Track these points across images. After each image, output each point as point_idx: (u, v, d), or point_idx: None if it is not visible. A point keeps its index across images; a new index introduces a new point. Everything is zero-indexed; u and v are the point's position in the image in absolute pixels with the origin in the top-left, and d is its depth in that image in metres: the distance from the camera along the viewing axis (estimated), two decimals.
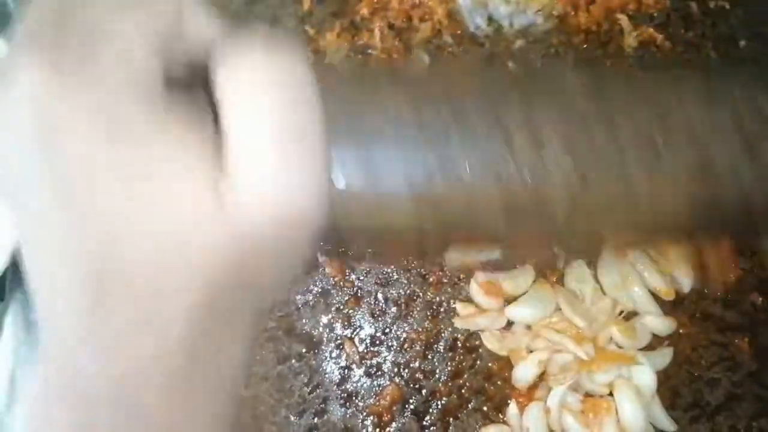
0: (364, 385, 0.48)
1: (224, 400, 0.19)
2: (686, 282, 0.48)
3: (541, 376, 0.47)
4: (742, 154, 0.22)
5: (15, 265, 0.50)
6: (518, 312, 0.47)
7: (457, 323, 0.48)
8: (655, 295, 0.48)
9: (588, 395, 0.47)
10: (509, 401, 0.47)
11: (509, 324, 0.48)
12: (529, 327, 0.48)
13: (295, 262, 0.19)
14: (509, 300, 0.48)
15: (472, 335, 0.48)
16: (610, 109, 0.22)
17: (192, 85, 0.19)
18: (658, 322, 0.48)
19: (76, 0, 0.17)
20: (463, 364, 0.48)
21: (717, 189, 0.22)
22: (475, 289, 0.48)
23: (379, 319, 0.48)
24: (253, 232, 0.17)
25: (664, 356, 0.48)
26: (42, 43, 0.16)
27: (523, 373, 0.47)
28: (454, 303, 0.48)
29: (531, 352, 0.47)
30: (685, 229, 0.23)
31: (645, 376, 0.47)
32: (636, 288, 0.48)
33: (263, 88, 0.17)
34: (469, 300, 0.49)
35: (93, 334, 0.17)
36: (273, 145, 0.17)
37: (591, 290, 0.48)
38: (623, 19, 0.55)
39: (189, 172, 0.17)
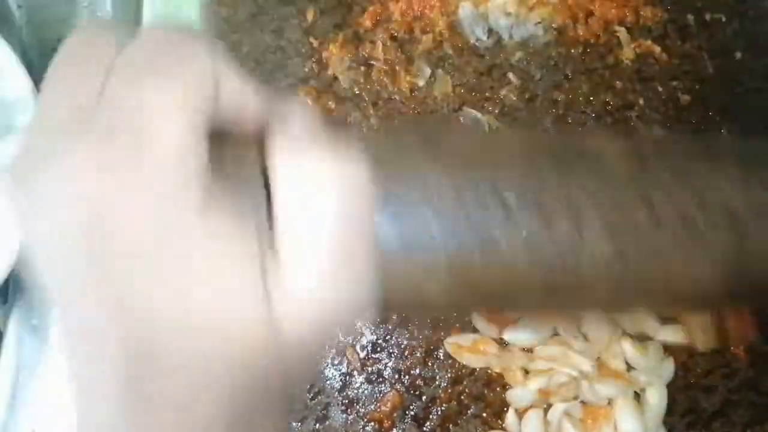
0: (365, 391, 0.48)
1: None
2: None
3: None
4: None
5: (18, 269, 0.50)
6: (516, 335, 0.47)
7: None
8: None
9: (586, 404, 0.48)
10: (508, 408, 0.48)
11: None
12: (526, 350, 0.48)
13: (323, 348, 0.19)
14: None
15: None
16: (648, 188, 0.21)
17: (241, 166, 0.18)
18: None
19: (109, 78, 0.17)
20: (463, 370, 0.49)
21: (752, 267, 0.22)
22: (476, 316, 0.48)
23: (380, 326, 0.49)
24: (292, 333, 0.17)
25: (666, 369, 0.48)
26: (88, 137, 0.16)
27: (521, 396, 0.47)
28: (454, 311, 0.49)
29: (527, 372, 0.48)
30: (717, 301, 0.23)
31: (656, 394, 0.47)
32: None
33: (325, 195, 0.17)
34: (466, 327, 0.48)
35: (128, 421, 0.17)
36: (329, 255, 0.17)
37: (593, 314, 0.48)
38: (621, 32, 0.56)
39: (235, 268, 0.16)
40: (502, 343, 0.48)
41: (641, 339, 0.48)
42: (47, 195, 0.16)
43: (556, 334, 0.48)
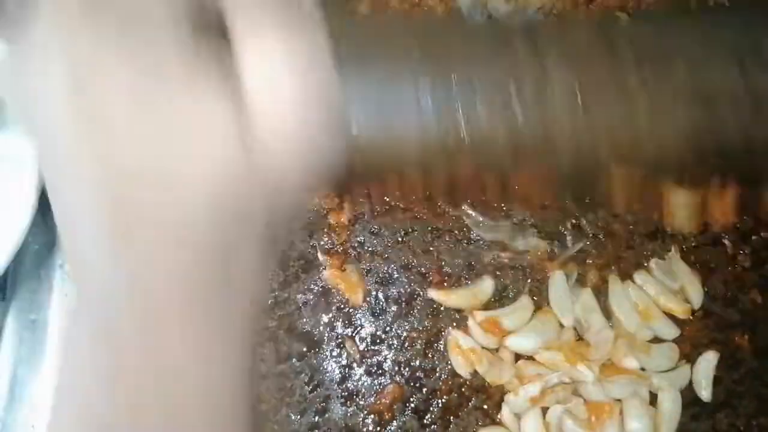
0: (365, 383, 0.48)
1: (241, 336, 0.20)
2: (696, 298, 0.48)
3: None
4: (742, 90, 0.22)
5: (16, 265, 0.50)
6: (519, 342, 0.47)
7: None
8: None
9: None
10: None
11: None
12: (530, 358, 0.47)
13: (303, 194, 0.20)
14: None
15: None
16: (614, 44, 0.23)
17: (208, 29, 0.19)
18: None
19: None
20: None
21: (716, 121, 0.22)
22: (473, 327, 0.47)
23: (380, 317, 0.49)
24: (271, 168, 0.19)
25: (680, 376, 0.47)
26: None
27: (513, 405, 0.46)
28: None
29: (521, 379, 0.47)
30: (687, 167, 0.23)
31: (670, 399, 0.46)
32: (653, 314, 0.48)
33: (280, 44, 0.18)
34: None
35: (118, 256, 0.18)
36: (291, 82, 0.18)
37: (597, 320, 0.47)
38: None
39: (216, 124, 0.18)
40: (495, 354, 0.47)
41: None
42: (38, 45, 0.18)
43: (558, 338, 0.47)
